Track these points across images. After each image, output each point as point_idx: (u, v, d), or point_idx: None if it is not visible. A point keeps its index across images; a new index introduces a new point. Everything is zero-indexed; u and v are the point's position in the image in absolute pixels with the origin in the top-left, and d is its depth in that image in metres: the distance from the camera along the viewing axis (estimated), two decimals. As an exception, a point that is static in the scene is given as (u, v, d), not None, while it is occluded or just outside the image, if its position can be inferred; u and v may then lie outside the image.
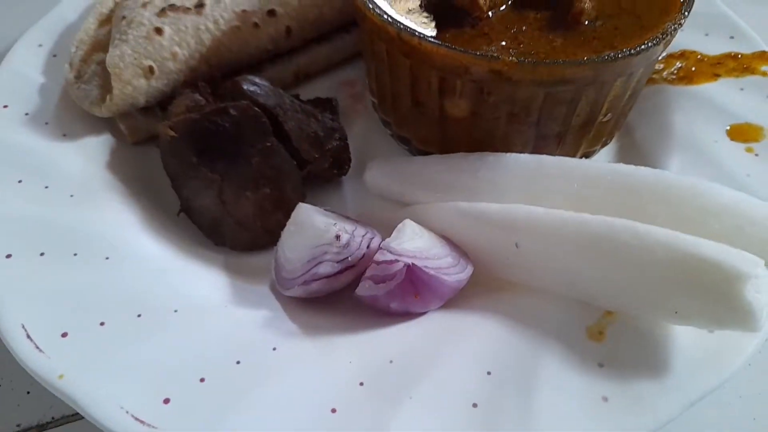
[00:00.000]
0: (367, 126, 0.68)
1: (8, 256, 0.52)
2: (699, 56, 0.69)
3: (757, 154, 0.59)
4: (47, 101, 0.66)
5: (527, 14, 0.52)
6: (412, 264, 0.46)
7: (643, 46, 0.49)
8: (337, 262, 0.49)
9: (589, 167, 0.52)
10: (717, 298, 0.42)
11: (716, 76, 0.67)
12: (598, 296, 0.48)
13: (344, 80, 0.73)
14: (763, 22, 0.86)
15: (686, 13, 0.52)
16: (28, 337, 0.46)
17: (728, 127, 0.62)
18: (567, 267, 0.48)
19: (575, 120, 0.54)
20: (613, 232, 0.46)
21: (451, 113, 0.55)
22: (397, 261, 0.46)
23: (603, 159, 0.64)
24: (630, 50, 0.48)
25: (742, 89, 0.65)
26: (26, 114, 0.64)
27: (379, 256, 0.47)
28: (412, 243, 0.50)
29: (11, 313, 0.47)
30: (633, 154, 0.64)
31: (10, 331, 0.47)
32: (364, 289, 0.48)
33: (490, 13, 0.51)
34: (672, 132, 0.63)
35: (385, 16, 0.51)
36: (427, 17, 0.52)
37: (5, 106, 0.64)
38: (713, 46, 0.71)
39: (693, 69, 0.68)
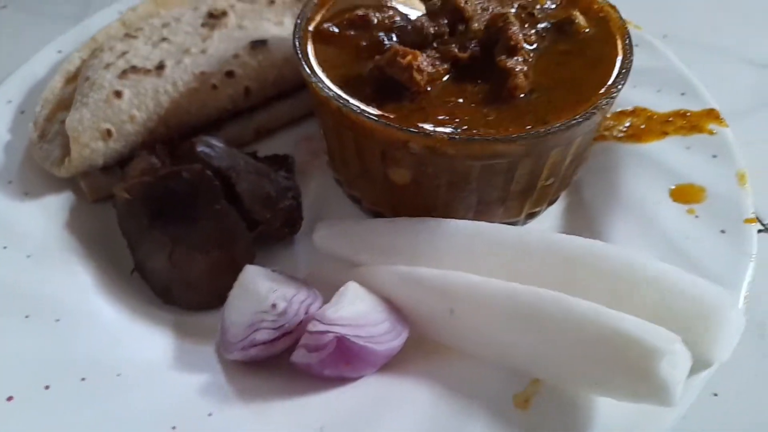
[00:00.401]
0: (323, 182, 0.70)
1: (-39, 318, 0.53)
2: (649, 114, 0.71)
3: (697, 216, 0.60)
4: (12, 159, 0.68)
5: (465, 87, 0.54)
6: (342, 336, 0.47)
7: (572, 122, 0.50)
8: (274, 329, 0.50)
9: (524, 237, 0.53)
10: (634, 373, 0.43)
11: (665, 134, 0.68)
12: (525, 365, 0.49)
13: (304, 136, 0.75)
14: (718, 70, 0.89)
15: (620, 87, 0.54)
16: (-26, 402, 0.48)
17: (672, 187, 0.63)
18: (497, 335, 0.49)
19: (515, 186, 0.56)
20: (540, 303, 0.48)
21: (395, 180, 0.56)
22: (327, 332, 0.47)
23: (550, 218, 0.65)
24: (559, 125, 0.50)
25: (688, 148, 0.67)
26: (-10, 172, 0.66)
27: (311, 327, 0.48)
28: (351, 308, 0.51)
29: None
30: (580, 213, 0.65)
31: (-44, 398, 0.48)
32: (299, 356, 0.49)
33: (429, 87, 0.53)
34: (617, 192, 0.64)
35: (327, 90, 0.53)
36: (368, 90, 0.54)
37: (-29, 165, 0.66)
38: (665, 103, 0.72)
39: (642, 126, 0.70)
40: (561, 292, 0.48)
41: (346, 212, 0.67)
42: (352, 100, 0.52)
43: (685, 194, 0.62)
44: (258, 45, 0.71)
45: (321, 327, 0.48)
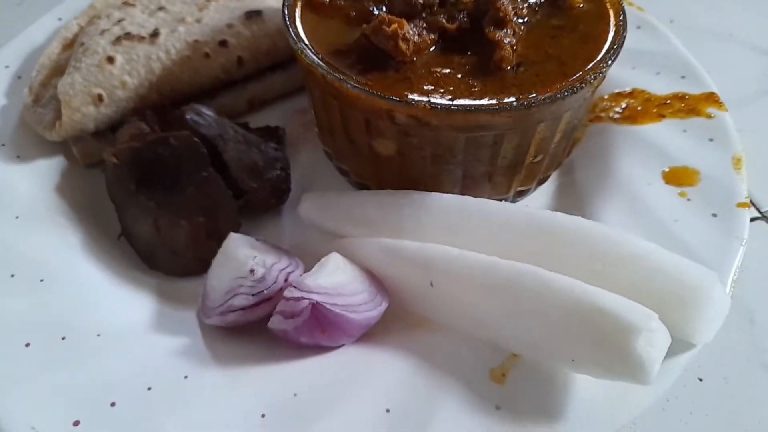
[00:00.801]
0: (313, 155, 0.70)
1: (-54, 274, 0.54)
2: (647, 96, 0.70)
3: (689, 199, 0.59)
4: (7, 123, 0.68)
5: (452, 58, 0.53)
6: (317, 302, 0.47)
7: (557, 95, 0.49)
8: (252, 295, 0.51)
9: (508, 211, 0.53)
10: (610, 349, 0.43)
11: (661, 116, 0.67)
12: (503, 339, 0.48)
13: (298, 108, 0.74)
14: (723, 57, 0.87)
15: (610, 63, 0.53)
16: (-46, 358, 0.49)
17: (666, 170, 0.62)
18: (476, 308, 0.49)
19: (501, 161, 0.55)
20: (519, 277, 0.47)
21: (380, 152, 0.56)
22: (302, 299, 0.47)
23: (540, 197, 0.65)
24: (543, 98, 0.49)
25: (685, 131, 0.66)
26: (-15, 135, 0.67)
27: (287, 293, 0.48)
28: (330, 278, 0.51)
29: None
30: (571, 193, 0.64)
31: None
32: (275, 323, 0.49)
33: (414, 57, 0.52)
34: (610, 173, 0.63)
35: (312, 57, 0.53)
36: (355, 59, 0.53)
37: (-33, 127, 0.67)
38: (663, 86, 0.71)
39: (639, 108, 0.68)
40: (542, 267, 0.48)
41: (334, 184, 0.67)
42: (336, 69, 0.52)
43: (678, 177, 0.61)
44: (252, 15, 0.71)
45: (297, 294, 0.48)
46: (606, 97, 0.70)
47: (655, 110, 0.68)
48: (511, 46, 0.52)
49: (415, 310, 0.53)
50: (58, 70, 0.71)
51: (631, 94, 0.70)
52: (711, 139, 0.64)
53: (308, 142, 0.71)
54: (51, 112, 0.66)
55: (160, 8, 0.73)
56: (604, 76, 0.53)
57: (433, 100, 0.49)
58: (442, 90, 0.50)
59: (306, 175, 0.68)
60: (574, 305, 0.44)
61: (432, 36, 0.53)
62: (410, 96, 0.49)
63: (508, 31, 0.53)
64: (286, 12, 0.57)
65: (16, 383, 0.48)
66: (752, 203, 0.68)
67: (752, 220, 0.65)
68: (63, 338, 0.51)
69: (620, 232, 0.50)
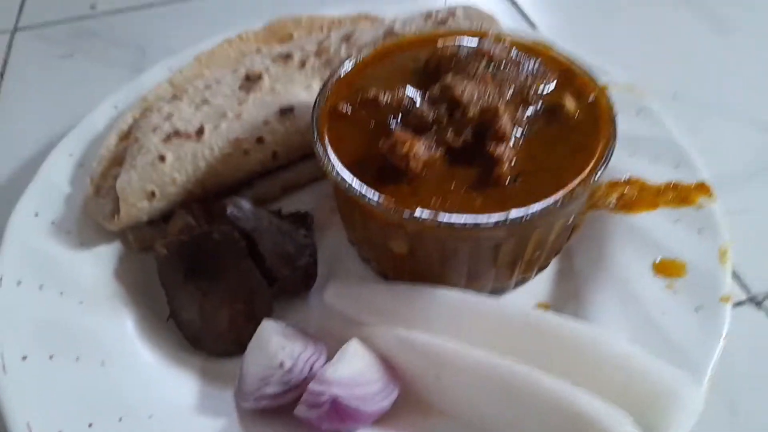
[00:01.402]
0: (338, 239, 0.77)
1: (24, 357, 0.63)
2: (642, 185, 0.75)
3: (675, 292, 0.65)
4: (71, 210, 0.78)
5: (457, 171, 0.60)
6: (337, 397, 0.55)
7: (549, 209, 0.56)
8: (282, 384, 0.58)
9: (505, 311, 0.60)
10: (587, 450, 0.49)
11: (655, 205, 0.73)
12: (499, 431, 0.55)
13: (325, 193, 0.82)
14: (723, 133, 0.92)
15: (598, 175, 0.59)
16: (31, 433, 0.58)
17: (656, 261, 0.68)
18: (476, 403, 0.56)
19: (502, 260, 0.62)
20: (512, 378, 0.54)
21: (395, 250, 0.63)
22: (324, 393, 0.55)
23: (541, 282, 0.71)
24: (534, 213, 0.55)
25: (676, 221, 0.71)
26: (52, 222, 0.76)
27: (311, 386, 0.56)
28: (349, 367, 0.59)
29: (19, 413, 0.58)
30: (569, 279, 0.70)
31: (17, 427, 0.58)
32: (301, 411, 0.57)
33: (424, 173, 0.60)
34: (604, 263, 0.69)
35: (335, 172, 0.61)
36: (373, 171, 0.61)
37: (36, 215, 0.77)
38: (659, 173, 0.76)
39: (634, 197, 0.74)
40: (535, 364, 0.55)
41: (357, 269, 0.74)
42: (355, 182, 0.60)
43: (667, 268, 0.67)
44: (286, 112, 0.79)
45: (319, 387, 0.56)
46: (604, 185, 0.76)
47: (649, 199, 0.74)
48: (509, 161, 0.59)
49: (424, 398, 0.60)
50: (116, 161, 0.81)
51: (628, 182, 0.76)
52: (700, 230, 0.70)
53: (334, 226, 0.79)
54: (110, 203, 0.76)
55: (204, 101, 0.83)
56: (595, 186, 0.60)
57: (438, 217, 0.56)
58: (448, 203, 0.58)
59: (332, 259, 0.75)
60: (558, 407, 0.51)
61: (440, 152, 0.61)
62: (419, 212, 0.56)
63: (507, 147, 0.60)
64: (314, 123, 0.65)
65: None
66: (740, 285, 0.73)
67: (739, 304, 0.71)
68: (120, 419, 0.59)
69: (604, 333, 0.57)
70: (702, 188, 0.73)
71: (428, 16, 0.89)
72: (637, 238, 0.70)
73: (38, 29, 1.25)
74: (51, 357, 0.64)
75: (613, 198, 0.75)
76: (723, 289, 0.64)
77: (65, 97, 1.07)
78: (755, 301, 0.72)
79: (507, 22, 1.12)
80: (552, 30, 1.14)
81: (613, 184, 0.76)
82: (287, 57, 0.88)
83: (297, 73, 0.87)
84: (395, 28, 0.88)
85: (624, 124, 0.78)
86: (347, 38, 0.89)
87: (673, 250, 0.68)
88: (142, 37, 1.20)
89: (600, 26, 1.14)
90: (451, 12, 0.88)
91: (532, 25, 1.16)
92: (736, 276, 0.73)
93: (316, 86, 0.85)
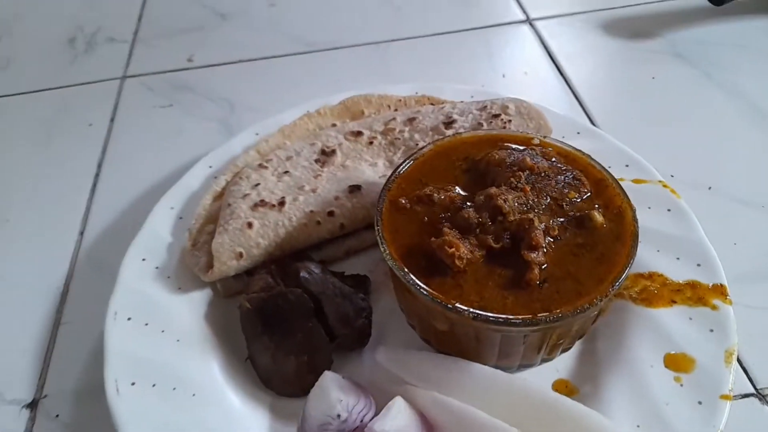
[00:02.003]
0: (392, 303, 0.90)
1: (132, 383, 0.79)
2: (664, 280, 0.85)
3: (682, 385, 0.74)
4: (171, 258, 0.94)
5: (495, 270, 0.72)
6: (381, 450, 0.67)
7: (567, 315, 0.67)
8: (337, 430, 0.71)
9: (528, 390, 0.71)
10: None
11: (673, 302, 0.82)
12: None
13: (383, 258, 0.95)
14: (754, 226, 0.99)
15: (616, 287, 0.69)
16: (137, 453, 0.73)
17: (668, 354, 0.77)
18: (495, 466, 0.67)
19: (529, 345, 0.73)
20: (527, 450, 0.65)
21: (436, 326, 0.75)
22: (371, 445, 0.68)
23: (564, 361, 0.81)
24: (554, 317, 0.66)
25: (690, 319, 0.80)
26: (156, 267, 0.92)
27: (362, 436, 0.69)
28: (393, 422, 0.71)
29: (130, 429, 0.73)
30: (589, 361, 0.80)
31: (127, 449, 0.73)
32: (352, 456, 0.70)
33: (466, 270, 0.72)
34: (621, 350, 0.79)
35: (389, 256, 0.73)
36: (423, 263, 0.73)
37: (143, 260, 0.93)
38: (681, 272, 0.85)
39: (655, 292, 0.84)
40: (547, 439, 0.66)
41: (405, 332, 0.87)
42: (407, 271, 0.72)
43: (677, 363, 0.76)
44: (354, 189, 0.93)
45: (368, 439, 0.68)
46: (629, 276, 0.86)
47: (668, 295, 0.83)
48: (540, 265, 0.71)
49: (453, 455, 0.72)
50: (210, 218, 0.96)
51: (651, 277, 0.85)
52: (711, 330, 0.78)
53: (388, 289, 0.91)
54: (204, 255, 0.91)
55: (286, 172, 0.97)
56: (611, 295, 0.70)
57: (474, 310, 0.68)
58: (484, 298, 0.69)
59: (384, 320, 0.88)
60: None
61: (481, 252, 0.73)
62: (458, 305, 0.68)
63: (539, 253, 0.71)
64: (378, 215, 0.78)
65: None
66: (748, 378, 0.81)
67: (745, 396, 0.80)
68: (206, 448, 0.74)
69: (607, 422, 0.67)
70: (719, 290, 0.82)
71: (483, 107, 1.01)
72: (654, 331, 0.79)
73: (144, 78, 1.44)
74: (153, 385, 0.79)
75: (637, 289, 0.85)
76: (725, 388, 0.73)
77: (164, 145, 1.24)
78: (760, 395, 0.80)
79: (564, 107, 1.22)
80: (599, 111, 1.23)
81: (637, 277, 0.86)
82: (358, 134, 1.02)
83: (365, 150, 1.00)
84: (453, 115, 1.01)
85: (654, 221, 0.89)
86: (411, 121, 1.02)
87: (685, 347, 0.77)
88: (231, 92, 1.37)
89: (647, 120, 1.21)
90: (504, 107, 1.00)
91: (582, 105, 1.26)
92: (744, 369, 0.82)
93: (381, 164, 0.99)
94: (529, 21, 1.52)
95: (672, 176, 1.04)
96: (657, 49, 1.39)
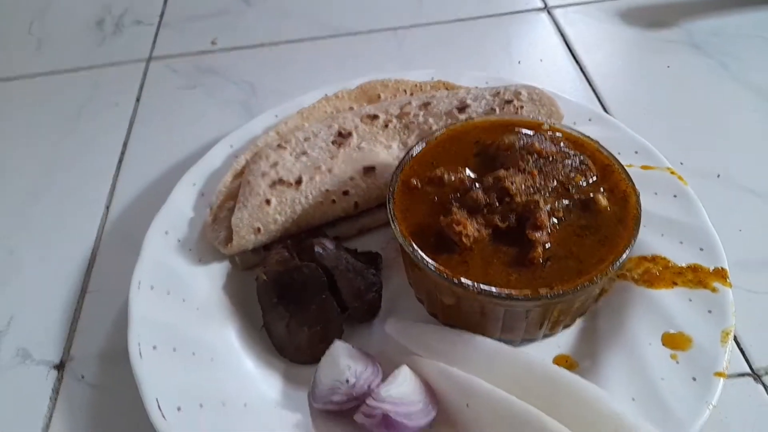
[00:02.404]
0: (401, 279, 0.93)
1: (154, 347, 0.84)
2: (667, 263, 0.87)
3: (678, 362, 0.77)
4: (193, 232, 0.98)
5: (500, 249, 0.75)
6: (387, 412, 0.71)
7: (568, 293, 0.70)
8: (345, 395, 0.76)
9: (529, 362, 0.74)
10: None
11: (674, 284, 0.85)
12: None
13: (394, 236, 0.99)
14: (761, 216, 1.00)
15: (616, 267, 0.72)
16: (159, 407, 0.77)
17: (666, 333, 0.80)
18: (492, 429, 0.71)
19: (531, 321, 0.77)
20: (526, 416, 0.69)
21: (444, 300, 0.79)
22: (377, 408, 0.72)
23: (565, 337, 0.84)
24: (555, 294, 0.70)
25: (690, 300, 0.83)
26: (178, 240, 0.97)
27: (368, 401, 0.73)
28: (398, 388, 0.75)
29: (152, 390, 0.78)
30: (590, 337, 0.83)
31: (149, 401, 0.77)
32: (359, 418, 0.74)
33: (473, 247, 0.75)
34: (621, 328, 0.81)
35: (399, 233, 0.77)
36: (432, 240, 0.77)
37: (166, 232, 0.97)
38: (683, 255, 0.88)
39: (657, 274, 0.86)
40: (546, 410, 0.69)
41: (413, 306, 0.90)
42: (416, 247, 0.76)
43: (674, 341, 0.79)
44: (368, 170, 0.96)
45: (374, 403, 0.72)
46: (632, 259, 0.88)
47: (670, 277, 0.85)
48: (543, 245, 0.74)
49: (455, 422, 0.75)
50: (230, 195, 1.00)
51: (654, 260, 0.88)
52: (710, 311, 0.81)
53: (398, 266, 0.95)
54: (224, 230, 0.95)
55: (303, 153, 1.01)
56: (611, 275, 0.73)
57: (480, 285, 0.71)
58: (489, 275, 0.73)
59: (394, 295, 0.92)
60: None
61: (488, 231, 0.76)
62: (464, 280, 0.72)
63: (543, 233, 0.74)
64: (390, 194, 0.82)
65: None
66: (745, 359, 0.84)
67: (741, 375, 0.82)
68: (223, 404, 0.78)
69: (605, 394, 0.70)
70: (720, 273, 0.84)
71: (496, 93, 1.04)
72: (653, 311, 0.82)
73: (169, 60, 1.48)
74: (174, 349, 0.83)
75: (639, 271, 0.87)
76: (719, 366, 0.75)
77: (187, 125, 1.29)
78: (755, 374, 0.83)
79: (578, 94, 1.24)
80: (613, 99, 1.25)
81: (641, 259, 0.88)
82: (374, 117, 1.05)
83: (380, 133, 1.04)
84: (467, 100, 1.04)
85: (660, 206, 0.91)
86: (425, 106, 1.05)
87: (683, 326, 0.80)
88: (253, 75, 1.40)
89: (660, 109, 1.23)
90: (517, 93, 1.03)
91: (596, 93, 1.27)
92: (742, 350, 0.85)
93: (395, 146, 1.02)
94: (547, 9, 1.53)
95: (681, 164, 1.06)
96: (673, 38, 1.39)
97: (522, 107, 1.01)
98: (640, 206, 0.77)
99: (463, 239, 0.74)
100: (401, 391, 0.75)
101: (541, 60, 1.38)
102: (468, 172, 0.83)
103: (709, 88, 1.26)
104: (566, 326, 0.83)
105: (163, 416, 0.76)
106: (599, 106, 1.23)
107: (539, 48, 1.42)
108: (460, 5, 1.55)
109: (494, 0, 1.57)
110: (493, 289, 0.70)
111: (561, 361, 0.82)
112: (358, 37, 1.49)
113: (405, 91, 1.13)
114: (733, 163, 1.09)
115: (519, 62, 1.37)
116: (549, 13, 1.52)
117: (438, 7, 1.55)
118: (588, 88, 1.29)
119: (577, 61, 1.36)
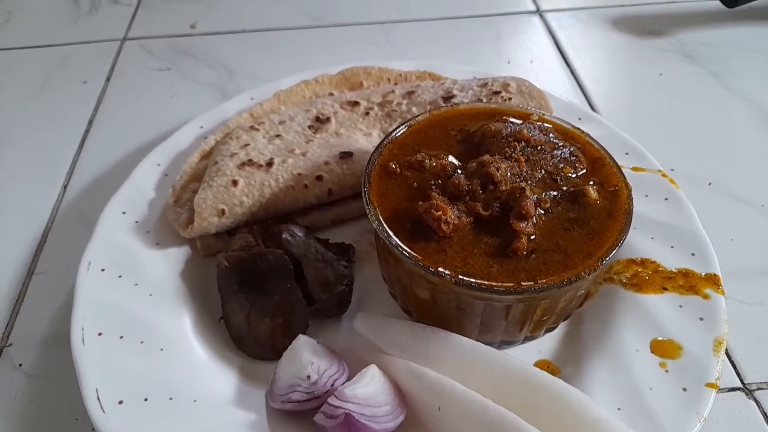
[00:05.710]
0: (373, 272, 0.87)
1: (99, 334, 0.76)
2: (657, 267, 0.82)
3: (667, 371, 0.71)
4: (153, 213, 0.91)
5: (481, 238, 0.69)
6: (350, 413, 0.64)
7: (553, 287, 0.64)
8: (306, 393, 0.69)
9: (508, 364, 0.68)
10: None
11: (664, 289, 0.80)
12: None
13: (368, 228, 0.93)
14: (751, 225, 0.96)
15: (604, 263, 0.67)
16: (98, 399, 0.69)
17: (655, 340, 0.75)
18: (466, 436, 0.64)
19: (512, 319, 0.70)
20: (502, 422, 0.62)
21: (418, 294, 0.73)
22: (340, 408, 0.65)
23: (547, 341, 0.79)
24: (539, 288, 0.64)
25: (680, 306, 0.78)
26: (136, 222, 0.89)
27: (330, 400, 0.66)
28: (364, 389, 0.68)
29: (91, 380, 0.71)
30: (573, 342, 0.78)
31: (88, 392, 0.70)
32: (319, 419, 0.67)
33: (452, 235, 0.69)
34: (607, 333, 0.76)
35: (374, 218, 0.71)
36: (409, 226, 0.71)
37: (124, 213, 0.90)
38: (674, 260, 0.83)
39: (647, 278, 0.81)
40: (523, 414, 0.63)
41: (386, 302, 0.84)
42: (391, 234, 0.69)
43: (663, 349, 0.74)
44: (345, 156, 0.90)
45: (337, 402, 0.65)
46: (620, 261, 0.83)
47: (659, 282, 0.80)
48: (528, 236, 0.68)
49: (425, 426, 0.69)
50: (195, 176, 0.94)
51: (643, 263, 0.83)
52: (701, 318, 0.76)
53: (372, 260, 0.89)
54: (186, 212, 0.88)
55: (277, 135, 0.95)
56: (600, 271, 0.67)
57: (456, 277, 0.65)
58: (468, 265, 0.67)
59: (365, 289, 0.85)
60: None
61: (469, 219, 0.70)
62: (441, 269, 0.66)
63: (528, 224, 0.68)
64: (366, 177, 0.75)
65: (134, 429, 0.68)
66: (736, 373, 0.78)
67: (732, 390, 0.77)
68: (170, 399, 0.71)
69: (587, 398, 0.64)
70: (712, 279, 0.79)
71: (484, 84, 0.99)
72: (642, 317, 0.77)
73: (144, 41, 1.42)
74: (121, 337, 0.76)
75: (627, 274, 0.82)
76: (711, 376, 0.70)
77: (158, 106, 1.22)
78: (747, 389, 0.77)
79: (567, 93, 1.20)
80: (603, 104, 1.21)
81: (629, 262, 0.83)
82: (354, 104, 0.99)
83: (361, 120, 0.98)
84: (453, 91, 0.98)
85: (650, 208, 0.87)
86: (409, 95, 1.00)
87: (673, 333, 0.75)
88: (232, 60, 1.35)
89: (651, 114, 1.19)
90: (506, 84, 0.98)
91: (586, 96, 1.23)
92: (733, 363, 0.79)
93: (376, 134, 0.96)
94: (539, 12, 1.50)
95: (672, 170, 1.01)
96: (666, 47, 1.37)
97: (510, 99, 0.96)
98: (632, 201, 0.72)
99: (442, 226, 0.68)
100: (367, 392, 0.68)
101: (531, 61, 1.34)
102: (451, 158, 0.77)
103: (701, 96, 1.23)
104: (549, 329, 0.77)
105: (102, 409, 0.69)
106: (589, 109, 1.19)
107: (530, 50, 1.38)
108: (449, 3, 1.51)
109: (485, 1, 1.53)
110: (472, 280, 0.64)
111: (542, 366, 0.76)
112: (342, 29, 1.44)
113: (389, 79, 1.08)
114: (725, 172, 1.05)
115: (509, 62, 1.33)
116: (541, 16, 1.49)
117: (426, 3, 1.51)
118: (578, 91, 1.25)
119: (568, 64, 1.32)
